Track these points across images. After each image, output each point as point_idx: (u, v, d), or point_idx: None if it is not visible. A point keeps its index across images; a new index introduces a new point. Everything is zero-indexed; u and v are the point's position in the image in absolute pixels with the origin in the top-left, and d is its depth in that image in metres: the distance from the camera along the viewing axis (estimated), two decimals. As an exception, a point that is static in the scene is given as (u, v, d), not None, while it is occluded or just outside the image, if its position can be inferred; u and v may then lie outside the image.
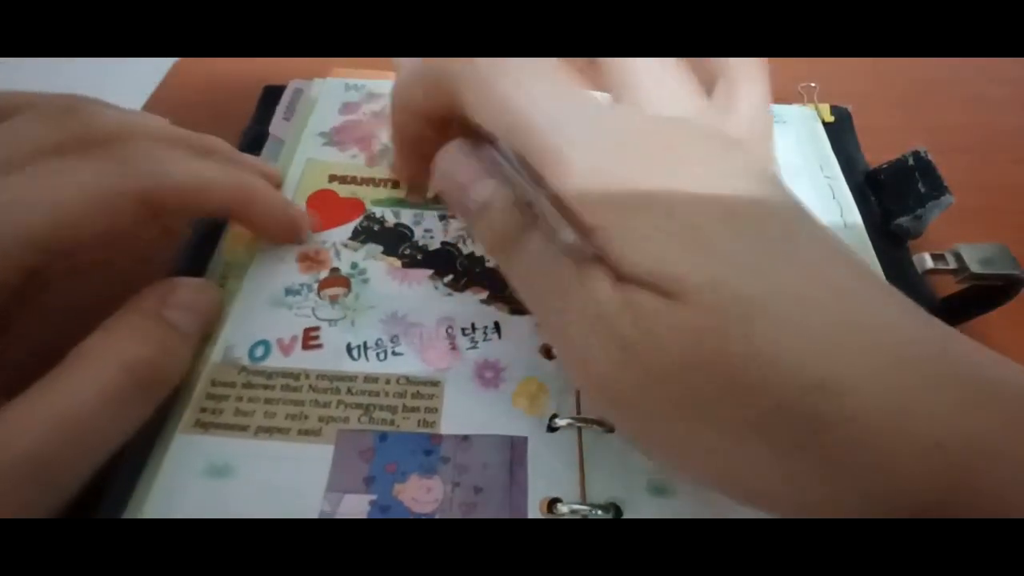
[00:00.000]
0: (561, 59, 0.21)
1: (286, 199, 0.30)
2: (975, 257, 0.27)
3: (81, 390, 0.19)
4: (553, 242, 0.19)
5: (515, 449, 0.23)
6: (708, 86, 0.23)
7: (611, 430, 0.23)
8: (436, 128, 0.24)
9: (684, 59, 0.23)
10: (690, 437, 0.17)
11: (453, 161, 0.22)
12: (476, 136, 0.22)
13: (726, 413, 0.16)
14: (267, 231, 0.28)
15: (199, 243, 0.28)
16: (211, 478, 0.22)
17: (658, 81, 0.22)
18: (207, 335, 0.25)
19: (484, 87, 0.20)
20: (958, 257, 0.27)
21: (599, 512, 0.22)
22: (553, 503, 0.22)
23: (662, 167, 0.18)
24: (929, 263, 0.27)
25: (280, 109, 0.35)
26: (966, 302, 0.28)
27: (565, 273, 0.18)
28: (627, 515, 0.22)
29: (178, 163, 0.23)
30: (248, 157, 0.30)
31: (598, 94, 0.22)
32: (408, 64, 0.24)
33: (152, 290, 0.23)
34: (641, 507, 0.22)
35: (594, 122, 0.19)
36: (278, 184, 0.30)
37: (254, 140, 0.33)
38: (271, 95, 0.36)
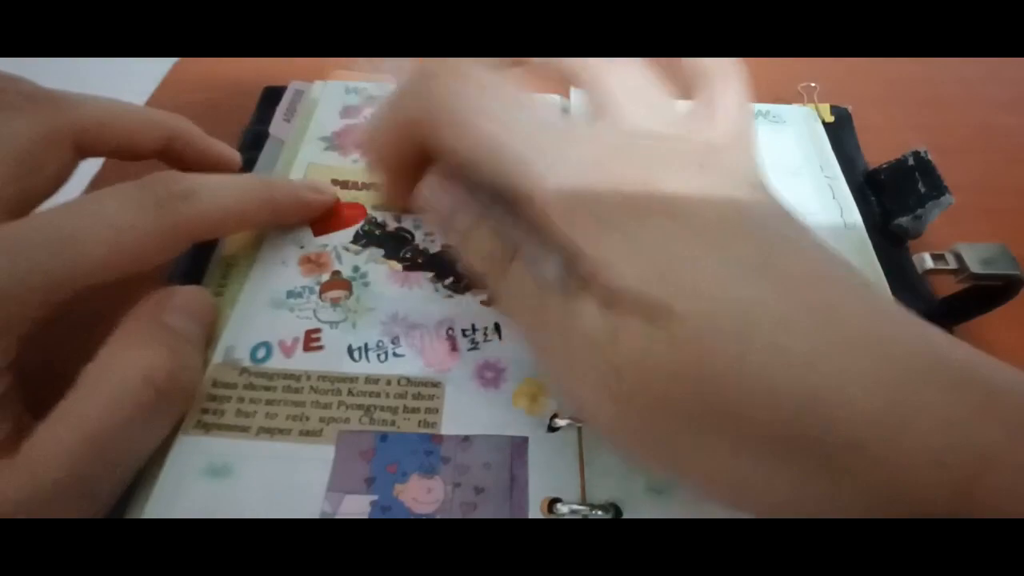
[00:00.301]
0: (537, 72, 0.22)
1: (216, 141, 0.30)
2: (975, 257, 0.27)
3: (107, 407, 0.20)
4: (536, 271, 0.19)
5: (516, 449, 0.23)
6: (685, 90, 0.23)
7: None
8: (420, 158, 0.23)
9: (660, 61, 0.23)
10: (687, 452, 0.17)
11: (434, 191, 0.22)
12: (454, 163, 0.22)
13: (723, 431, 0.16)
14: (201, 167, 0.29)
15: (199, 245, 0.29)
16: (212, 479, 0.22)
17: (635, 91, 0.22)
18: (209, 339, 0.25)
19: (457, 122, 0.20)
20: (958, 257, 0.27)
21: (599, 512, 0.22)
22: (554, 503, 0.22)
23: (642, 185, 0.18)
24: (929, 263, 0.27)
25: (280, 110, 0.35)
26: (966, 302, 0.28)
27: (551, 302, 0.18)
28: (627, 515, 0.22)
29: (109, 105, 0.26)
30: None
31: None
32: (384, 103, 0.23)
33: (149, 299, 0.23)
34: (640, 507, 0.22)
35: (570, 144, 0.19)
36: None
37: (254, 140, 0.34)
38: (271, 96, 0.36)
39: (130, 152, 0.27)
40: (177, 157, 0.28)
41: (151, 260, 0.23)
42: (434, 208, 0.22)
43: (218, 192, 0.24)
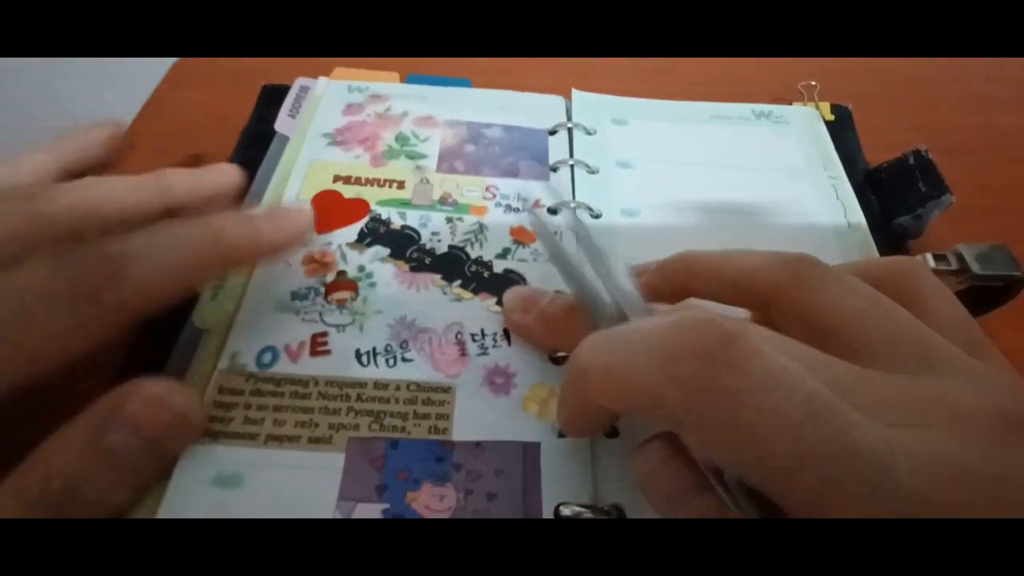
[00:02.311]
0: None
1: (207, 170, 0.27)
2: (976, 257, 0.27)
3: None
4: None
5: (528, 455, 0.22)
6: None
7: (615, 435, 0.23)
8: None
9: None
10: None
11: (657, 466, 0.18)
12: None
13: None
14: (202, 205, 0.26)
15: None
16: (221, 488, 0.21)
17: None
18: (171, 453, 0.21)
19: (725, 432, 0.15)
20: (959, 257, 0.27)
21: (605, 516, 0.21)
22: (561, 507, 0.21)
23: None
24: (931, 263, 0.27)
25: (285, 106, 0.34)
26: (967, 302, 0.27)
27: None
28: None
29: (99, 185, 0.23)
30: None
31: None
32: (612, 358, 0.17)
33: (102, 402, 0.20)
34: (646, 511, 0.21)
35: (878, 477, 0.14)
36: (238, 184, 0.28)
37: (252, 139, 0.33)
38: (270, 94, 0.35)
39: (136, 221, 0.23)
40: (178, 210, 0.25)
41: (82, 354, 0.19)
42: (656, 484, 0.18)
43: (153, 258, 0.20)
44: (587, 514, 0.21)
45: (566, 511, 0.21)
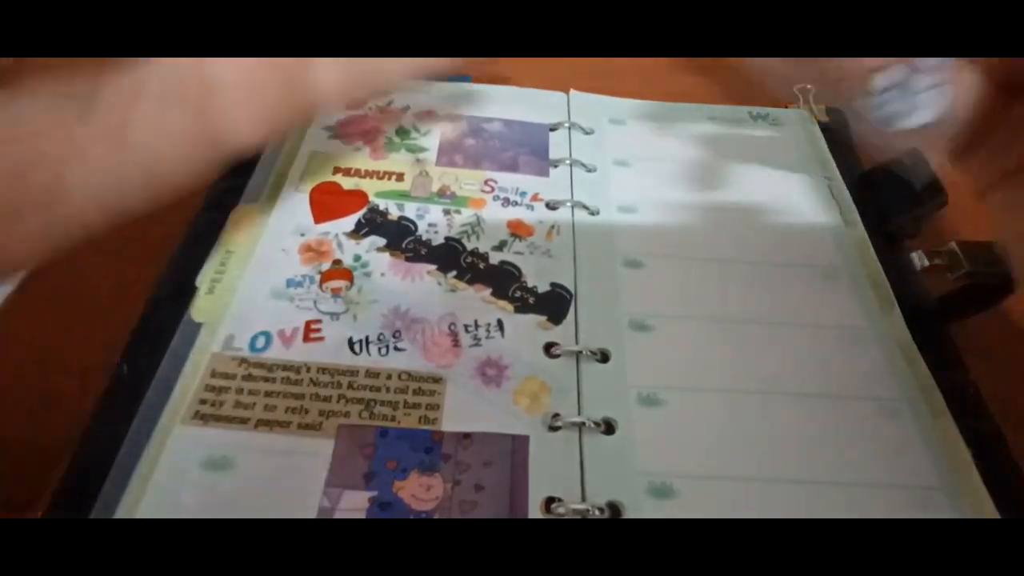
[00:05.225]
0: None
1: None
2: (971, 255, 0.25)
3: None
4: None
5: (516, 448, 0.21)
6: None
7: (610, 432, 0.22)
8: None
9: None
10: None
11: None
12: None
13: None
14: None
15: (200, 232, 0.26)
16: (210, 471, 0.20)
17: None
18: None
19: None
20: (954, 255, 0.26)
21: (598, 512, 0.20)
22: (552, 502, 0.20)
23: None
24: (925, 261, 0.26)
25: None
26: (962, 300, 0.26)
27: None
28: (627, 516, 0.20)
29: None
30: None
31: None
32: None
33: None
34: (641, 509, 0.20)
35: None
36: None
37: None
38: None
39: None
40: None
41: None
42: None
43: None
44: (584, 510, 0.20)
45: (561, 508, 0.20)
